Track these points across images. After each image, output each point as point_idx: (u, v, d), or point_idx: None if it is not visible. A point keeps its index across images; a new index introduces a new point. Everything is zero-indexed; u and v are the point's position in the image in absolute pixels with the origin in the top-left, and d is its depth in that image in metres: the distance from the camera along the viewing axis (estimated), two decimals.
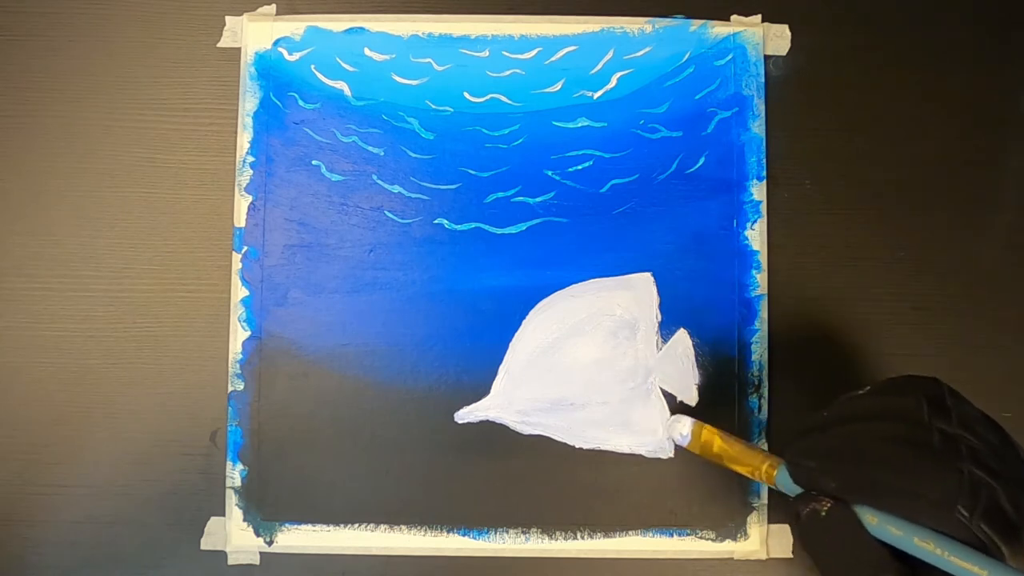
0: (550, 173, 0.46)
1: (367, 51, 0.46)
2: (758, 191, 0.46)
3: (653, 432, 0.44)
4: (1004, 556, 0.28)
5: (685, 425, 0.40)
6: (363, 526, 0.44)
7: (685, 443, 0.40)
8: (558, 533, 0.44)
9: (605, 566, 0.45)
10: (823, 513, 0.31)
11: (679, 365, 0.45)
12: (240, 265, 0.45)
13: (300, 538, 0.44)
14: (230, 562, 0.44)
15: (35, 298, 0.46)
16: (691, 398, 0.45)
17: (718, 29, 0.46)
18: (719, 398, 0.45)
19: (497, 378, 0.45)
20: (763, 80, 0.46)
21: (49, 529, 0.45)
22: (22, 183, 0.46)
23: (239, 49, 0.46)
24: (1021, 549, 0.28)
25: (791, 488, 0.34)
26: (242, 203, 0.46)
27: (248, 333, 0.45)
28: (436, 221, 0.46)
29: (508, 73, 0.46)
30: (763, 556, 0.44)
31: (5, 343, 0.45)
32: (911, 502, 0.30)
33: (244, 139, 0.46)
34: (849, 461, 0.31)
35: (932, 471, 0.30)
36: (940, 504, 0.29)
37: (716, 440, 0.39)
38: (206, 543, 0.44)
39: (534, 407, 0.44)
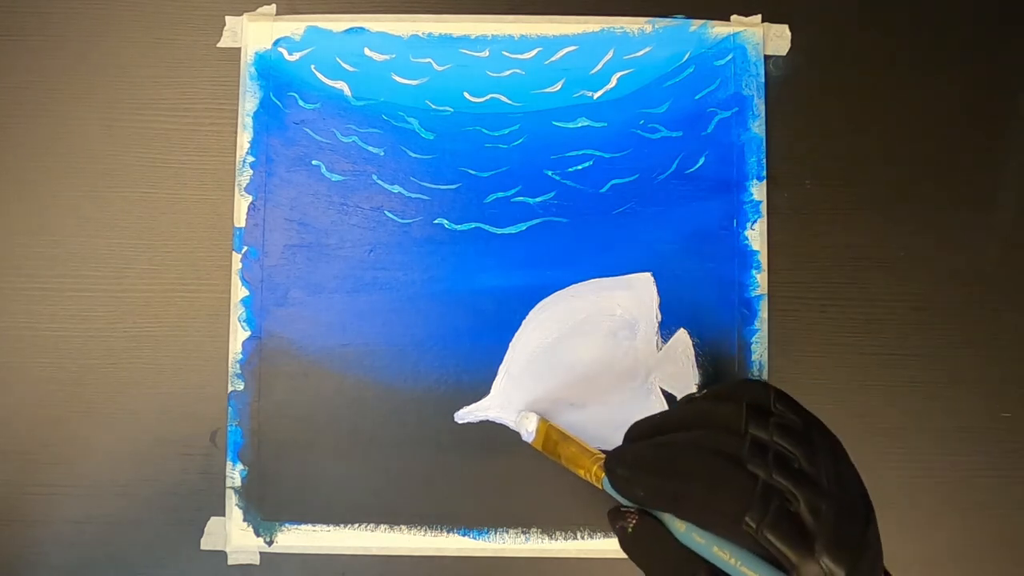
0: (550, 173, 0.46)
1: (367, 51, 0.46)
2: (758, 191, 0.46)
3: None
4: (792, 567, 0.28)
5: (532, 422, 0.41)
6: (363, 526, 0.44)
7: (530, 439, 0.41)
8: (558, 533, 0.44)
9: (605, 566, 0.45)
10: (629, 530, 0.32)
11: (679, 365, 0.45)
12: (240, 265, 0.45)
13: (300, 538, 0.44)
14: (230, 562, 0.44)
15: (35, 298, 0.46)
16: None
17: (718, 29, 0.46)
18: None
19: (497, 378, 0.45)
20: (763, 80, 0.46)
21: (49, 529, 0.45)
22: (22, 183, 0.46)
23: (239, 49, 0.46)
24: (812, 558, 0.28)
25: (615, 493, 0.34)
26: (242, 203, 0.46)
27: (248, 333, 0.45)
28: (436, 221, 0.46)
29: (508, 73, 0.46)
30: None
31: (5, 343, 0.45)
32: (707, 513, 0.30)
33: (244, 139, 0.46)
34: (656, 471, 0.31)
35: (729, 481, 0.30)
36: (730, 515, 0.29)
37: (556, 439, 0.40)
38: (206, 543, 0.44)
39: (534, 407, 0.44)
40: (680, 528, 0.31)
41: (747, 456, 0.30)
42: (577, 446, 0.39)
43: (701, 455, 0.31)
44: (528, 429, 0.41)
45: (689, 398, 0.35)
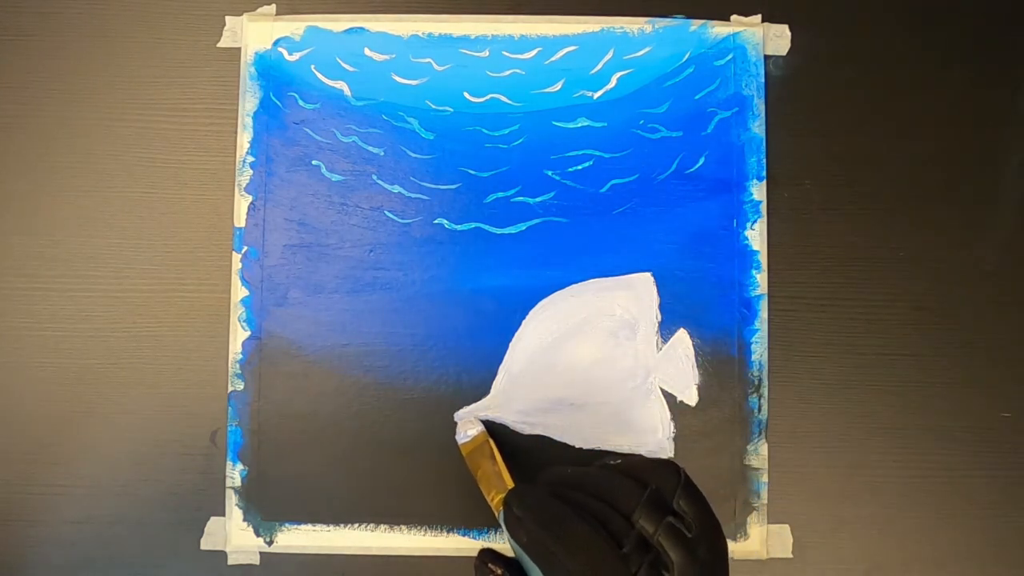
0: (550, 173, 0.46)
1: (367, 51, 0.46)
2: (758, 191, 0.46)
3: (653, 432, 0.44)
4: None
5: (474, 428, 0.42)
6: (363, 526, 0.44)
7: (462, 441, 0.42)
8: None
9: None
10: None
11: (679, 365, 0.45)
12: (240, 265, 0.45)
13: (300, 538, 0.44)
14: (230, 562, 0.44)
15: (35, 298, 0.46)
16: (691, 398, 0.45)
17: (718, 29, 0.46)
18: (719, 398, 0.45)
19: (497, 378, 0.45)
20: (763, 80, 0.46)
21: (49, 529, 0.45)
22: (22, 183, 0.46)
23: (239, 49, 0.46)
24: None
25: (504, 527, 0.35)
26: (242, 203, 0.46)
27: (248, 333, 0.45)
28: (436, 221, 0.46)
29: (508, 73, 0.46)
30: (763, 556, 0.44)
31: (5, 343, 0.45)
32: None
33: (244, 139, 0.46)
34: (545, 525, 0.32)
35: (601, 569, 0.31)
36: None
37: (486, 453, 0.40)
38: (206, 543, 0.45)
39: (534, 407, 0.44)
40: None
41: (629, 549, 0.31)
42: (496, 470, 0.40)
43: (589, 531, 0.31)
44: (468, 433, 0.42)
45: (605, 464, 0.35)
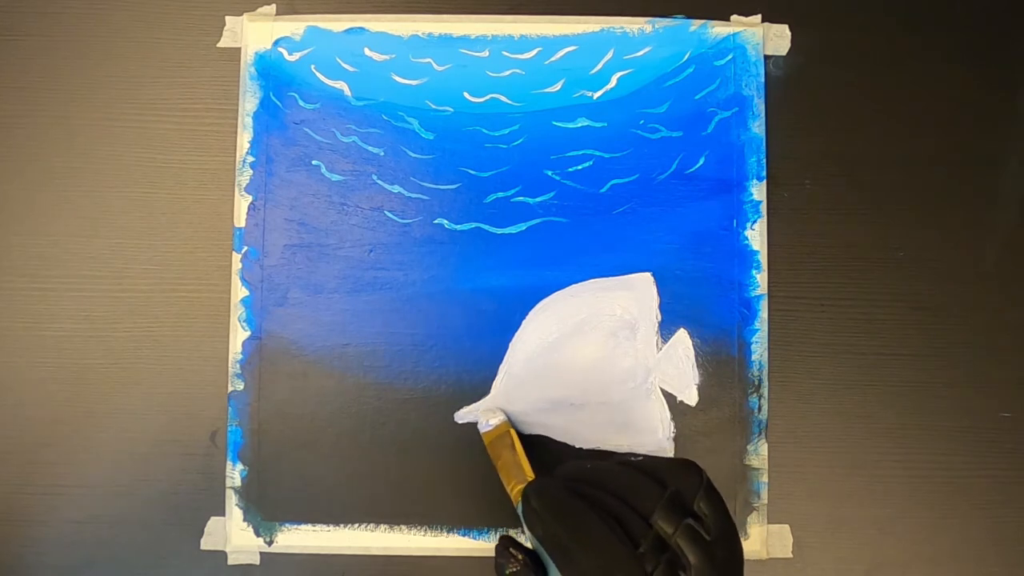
0: (550, 173, 0.46)
1: (367, 51, 0.46)
2: (758, 191, 0.46)
3: (653, 432, 0.44)
4: None
5: (496, 418, 0.42)
6: (363, 526, 0.44)
7: (484, 430, 0.42)
8: None
9: None
10: (507, 572, 0.35)
11: (679, 365, 0.45)
12: (240, 265, 0.45)
13: (300, 538, 0.44)
14: (230, 562, 0.44)
15: (35, 298, 0.46)
16: (691, 398, 0.45)
17: (718, 29, 0.46)
18: (719, 398, 0.45)
19: (497, 378, 0.45)
20: (763, 80, 0.46)
21: (50, 529, 0.45)
22: (22, 183, 0.46)
23: (239, 49, 0.46)
24: None
25: (522, 519, 0.35)
26: (242, 203, 0.46)
27: (248, 333, 0.45)
28: (436, 221, 0.46)
29: (508, 73, 0.46)
30: (763, 556, 0.44)
31: (5, 343, 0.45)
32: None
33: (244, 139, 0.46)
34: (561, 520, 0.32)
35: (617, 570, 0.31)
36: None
37: (507, 443, 0.41)
38: (206, 543, 0.45)
39: (534, 407, 0.44)
40: None
41: (645, 549, 0.31)
42: (517, 460, 0.40)
43: (605, 529, 0.31)
44: (490, 421, 0.42)
45: (625, 459, 0.35)
